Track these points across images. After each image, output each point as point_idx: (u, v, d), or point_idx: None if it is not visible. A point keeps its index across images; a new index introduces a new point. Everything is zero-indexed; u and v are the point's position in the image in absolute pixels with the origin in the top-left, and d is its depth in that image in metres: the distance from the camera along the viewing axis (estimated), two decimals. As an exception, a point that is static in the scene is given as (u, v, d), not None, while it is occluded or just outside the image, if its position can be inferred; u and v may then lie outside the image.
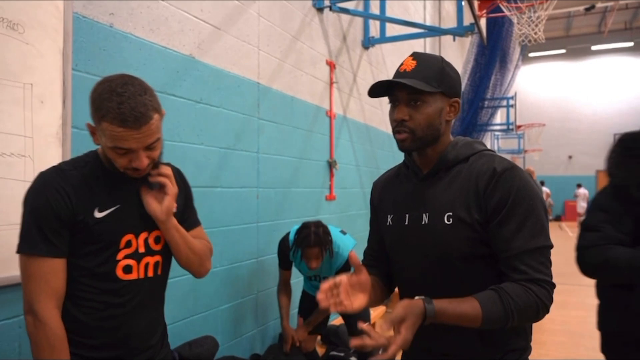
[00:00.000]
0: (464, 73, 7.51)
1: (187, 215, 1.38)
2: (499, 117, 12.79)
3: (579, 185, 17.09)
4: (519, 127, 13.19)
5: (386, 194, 1.31)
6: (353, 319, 2.62)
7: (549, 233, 1.08)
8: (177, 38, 2.20)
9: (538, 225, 1.06)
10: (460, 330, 1.07)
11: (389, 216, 1.26)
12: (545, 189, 15.56)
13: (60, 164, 1.21)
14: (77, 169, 1.19)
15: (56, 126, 1.63)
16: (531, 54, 20.79)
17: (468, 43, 8.12)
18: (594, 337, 1.87)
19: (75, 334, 1.18)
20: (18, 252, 1.13)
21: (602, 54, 20.37)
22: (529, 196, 1.06)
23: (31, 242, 1.12)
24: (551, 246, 1.08)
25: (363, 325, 0.99)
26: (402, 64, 1.16)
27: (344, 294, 1.07)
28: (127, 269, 1.21)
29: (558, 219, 18.54)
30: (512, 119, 11.14)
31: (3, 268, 1.48)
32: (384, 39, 4.68)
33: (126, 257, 1.21)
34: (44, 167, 1.57)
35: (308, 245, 2.40)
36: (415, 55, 1.16)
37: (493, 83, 8.06)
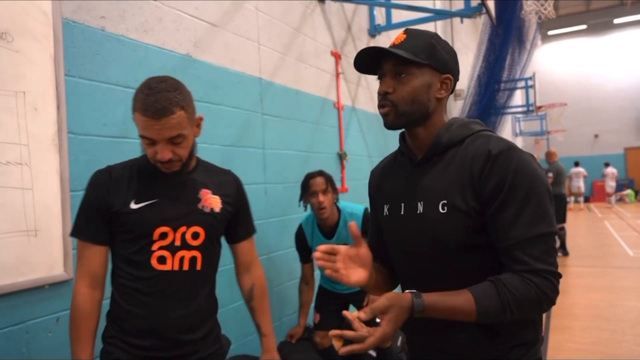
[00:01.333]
0: (477, 56, 7.33)
1: (240, 224, 1.49)
2: (519, 99, 12.48)
3: (607, 165, 16.60)
4: (540, 107, 12.83)
5: (382, 183, 1.25)
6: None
7: (554, 219, 1.00)
8: (173, 38, 2.20)
9: (540, 210, 0.97)
10: (464, 324, 1.03)
11: (385, 206, 1.20)
12: (581, 170, 15.16)
13: (114, 164, 1.36)
14: (126, 167, 1.34)
15: (52, 132, 1.64)
16: (550, 32, 20.21)
17: (481, 25, 7.93)
18: (621, 321, 1.79)
19: (115, 316, 1.32)
20: (70, 235, 1.37)
21: (626, 27, 19.63)
22: (529, 179, 0.98)
23: (75, 228, 1.32)
24: (555, 233, 1.00)
25: (347, 314, 0.96)
26: (394, 39, 1.11)
27: (340, 262, 1.04)
28: (161, 260, 1.29)
29: (586, 200, 18.05)
30: (532, 100, 10.85)
31: (7, 275, 1.50)
32: (390, 25, 4.59)
33: (160, 248, 1.29)
34: (42, 174, 1.60)
35: (311, 177, 2.44)
36: (406, 30, 1.11)
37: (509, 64, 7.82)
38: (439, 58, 1.08)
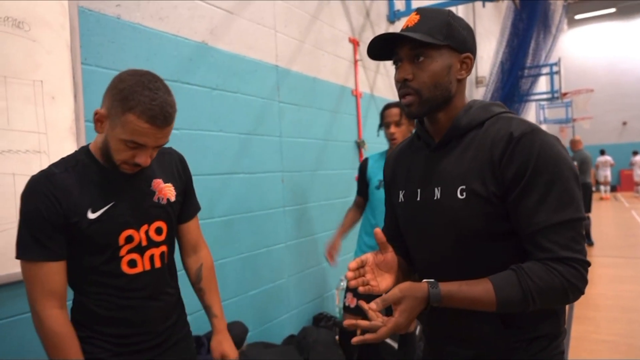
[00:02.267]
0: (500, 41, 7.15)
1: (187, 204, 1.40)
2: (544, 85, 12.16)
3: (635, 153, 16.10)
4: (565, 94, 12.48)
5: (398, 168, 1.21)
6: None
7: (582, 204, 0.94)
8: (188, 25, 2.19)
9: (565, 195, 0.91)
10: (482, 314, 0.99)
11: (400, 192, 1.16)
12: (607, 158, 14.74)
13: (50, 167, 1.19)
14: (68, 169, 1.18)
15: (69, 121, 1.65)
16: (577, 16, 19.59)
17: (504, 8, 7.72)
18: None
19: (88, 323, 1.23)
20: (16, 257, 1.15)
21: (657, 9, 18.90)
22: (554, 163, 0.92)
23: (25, 248, 1.14)
24: (583, 218, 0.94)
25: (362, 304, 0.94)
26: (406, 21, 1.05)
27: (370, 273, 1.02)
28: (132, 263, 1.23)
29: (613, 189, 17.57)
30: (557, 87, 10.55)
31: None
32: (410, 11, 4.51)
33: (129, 251, 1.22)
34: (60, 162, 1.61)
35: (387, 107, 2.38)
36: (419, 10, 1.04)
37: (533, 49, 7.61)
38: (456, 37, 1.02)
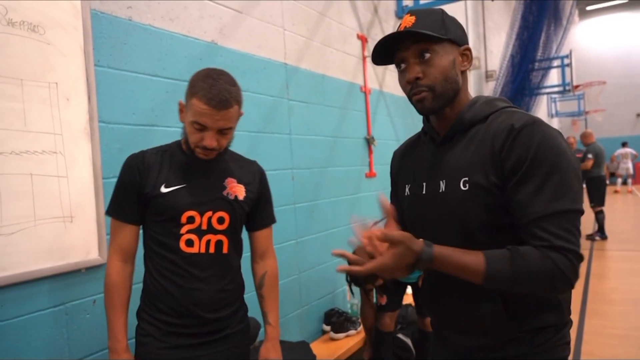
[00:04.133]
0: (510, 34, 7.09)
1: (260, 213, 1.54)
2: (555, 78, 12.03)
3: (649, 145, 15.87)
4: (577, 87, 12.34)
5: (404, 163, 1.25)
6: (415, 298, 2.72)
7: (581, 196, 0.95)
8: (198, 25, 2.21)
9: (562, 186, 0.93)
10: (485, 302, 1.01)
11: (406, 186, 1.19)
12: (628, 150, 14.52)
13: (147, 149, 1.43)
14: (158, 152, 1.42)
15: (84, 122, 1.69)
16: (589, 8, 19.32)
17: (514, 2, 7.65)
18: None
19: (148, 293, 1.41)
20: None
21: (671, -1, 18.56)
22: (553, 154, 0.93)
23: (109, 206, 1.41)
24: (580, 210, 0.95)
25: (365, 235, 0.95)
26: (400, 24, 1.08)
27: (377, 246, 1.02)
28: (189, 243, 1.37)
29: (624, 182, 17.34)
30: (568, 79, 10.43)
31: (47, 259, 1.57)
32: (418, 6, 4.49)
33: (189, 231, 1.36)
34: (75, 162, 1.66)
35: None
36: (412, 12, 1.07)
37: (544, 42, 7.53)
38: (453, 31, 1.06)
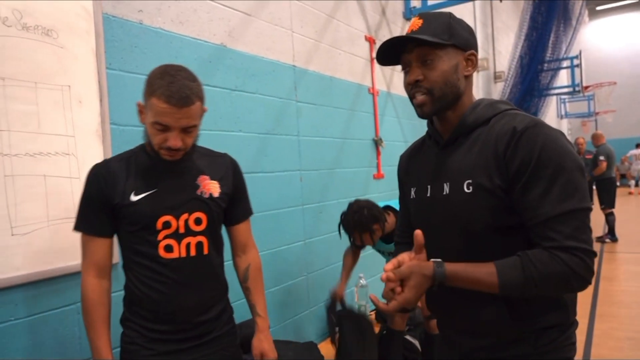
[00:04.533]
0: (519, 35, 7.06)
1: (238, 206, 1.51)
2: (564, 79, 11.95)
3: (660, 146, 15.68)
4: (587, 88, 12.24)
5: (410, 166, 1.27)
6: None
7: (587, 194, 0.96)
8: (207, 28, 2.24)
9: (569, 186, 0.94)
10: (488, 303, 1.02)
11: (412, 189, 1.21)
12: None
13: (111, 157, 1.40)
14: (122, 159, 1.36)
15: (95, 124, 1.72)
16: (599, 7, 19.16)
17: (522, 2, 7.62)
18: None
19: (131, 301, 1.37)
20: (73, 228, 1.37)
21: (683, -1, 18.33)
22: (557, 155, 0.95)
23: (77, 221, 1.35)
24: (589, 208, 0.96)
25: (384, 276, 0.99)
26: (409, 27, 1.11)
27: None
28: (168, 248, 1.33)
29: (637, 184, 17.16)
30: (578, 80, 10.36)
31: (59, 258, 1.59)
32: (426, 7, 4.49)
33: (166, 237, 1.32)
34: (87, 163, 1.67)
35: (348, 229, 2.36)
36: (421, 15, 1.10)
37: (553, 42, 7.49)
38: (460, 36, 1.08)
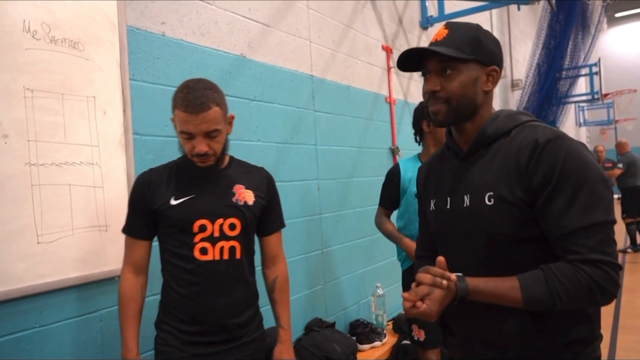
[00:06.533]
0: (536, 43, 7.01)
1: (270, 218, 1.57)
2: (583, 87, 11.80)
3: (683, 155, 15.34)
4: (606, 95, 12.06)
5: (429, 178, 1.26)
6: None
7: (611, 207, 0.95)
8: (227, 39, 2.27)
9: (592, 198, 0.93)
10: (512, 317, 1.01)
11: (432, 201, 1.20)
12: None
13: (155, 167, 1.50)
14: (165, 168, 1.48)
15: (119, 134, 1.75)
16: (618, 14, 18.90)
17: (540, 10, 7.57)
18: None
19: (167, 303, 1.45)
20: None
21: None
22: (580, 167, 0.94)
23: (125, 225, 1.48)
24: (613, 221, 0.95)
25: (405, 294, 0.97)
26: (435, 35, 1.10)
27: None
28: (203, 251, 1.40)
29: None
30: (597, 88, 10.22)
31: (83, 267, 1.62)
32: (443, 17, 4.49)
33: (202, 240, 1.40)
34: (111, 173, 1.71)
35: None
36: (448, 25, 1.09)
37: (571, 50, 7.43)
38: (483, 50, 1.06)
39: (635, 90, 14.05)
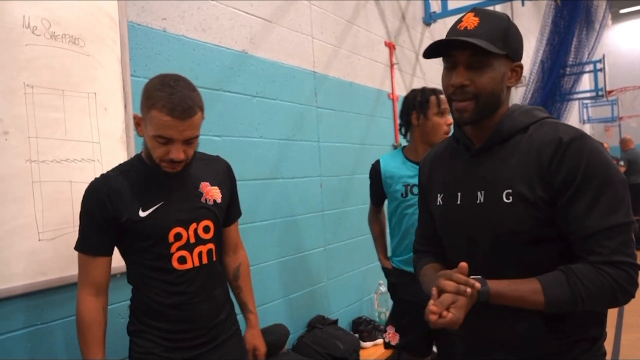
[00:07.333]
0: (540, 39, 6.95)
1: (231, 209, 1.52)
2: (587, 83, 11.72)
3: (688, 152, 15.26)
4: (610, 92, 11.98)
5: (435, 172, 1.22)
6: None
7: (631, 208, 0.94)
8: (229, 35, 2.25)
9: (615, 200, 0.92)
10: (523, 316, 0.99)
11: (438, 195, 1.17)
12: None
13: (108, 171, 1.35)
14: (122, 173, 1.33)
15: (120, 131, 1.74)
16: (623, 10, 18.77)
17: (544, 6, 7.51)
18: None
19: (147, 313, 1.35)
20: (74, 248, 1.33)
21: None
22: (603, 168, 0.93)
23: (79, 241, 1.31)
24: (633, 222, 0.94)
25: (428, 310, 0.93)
26: (461, 21, 1.02)
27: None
28: (182, 260, 1.33)
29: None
30: (601, 84, 10.14)
31: (83, 264, 1.61)
32: (446, 12, 4.45)
33: (179, 248, 1.32)
34: (112, 169, 1.70)
35: (438, 93, 2.04)
36: (477, 12, 1.02)
37: (575, 46, 7.36)
38: (512, 45, 1.02)
39: (639, 87, 13.95)
